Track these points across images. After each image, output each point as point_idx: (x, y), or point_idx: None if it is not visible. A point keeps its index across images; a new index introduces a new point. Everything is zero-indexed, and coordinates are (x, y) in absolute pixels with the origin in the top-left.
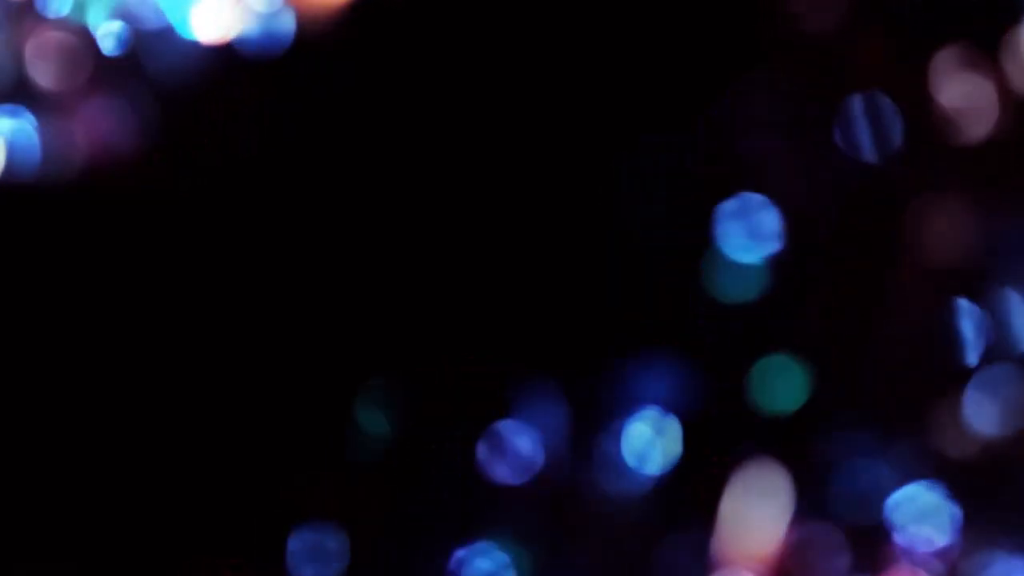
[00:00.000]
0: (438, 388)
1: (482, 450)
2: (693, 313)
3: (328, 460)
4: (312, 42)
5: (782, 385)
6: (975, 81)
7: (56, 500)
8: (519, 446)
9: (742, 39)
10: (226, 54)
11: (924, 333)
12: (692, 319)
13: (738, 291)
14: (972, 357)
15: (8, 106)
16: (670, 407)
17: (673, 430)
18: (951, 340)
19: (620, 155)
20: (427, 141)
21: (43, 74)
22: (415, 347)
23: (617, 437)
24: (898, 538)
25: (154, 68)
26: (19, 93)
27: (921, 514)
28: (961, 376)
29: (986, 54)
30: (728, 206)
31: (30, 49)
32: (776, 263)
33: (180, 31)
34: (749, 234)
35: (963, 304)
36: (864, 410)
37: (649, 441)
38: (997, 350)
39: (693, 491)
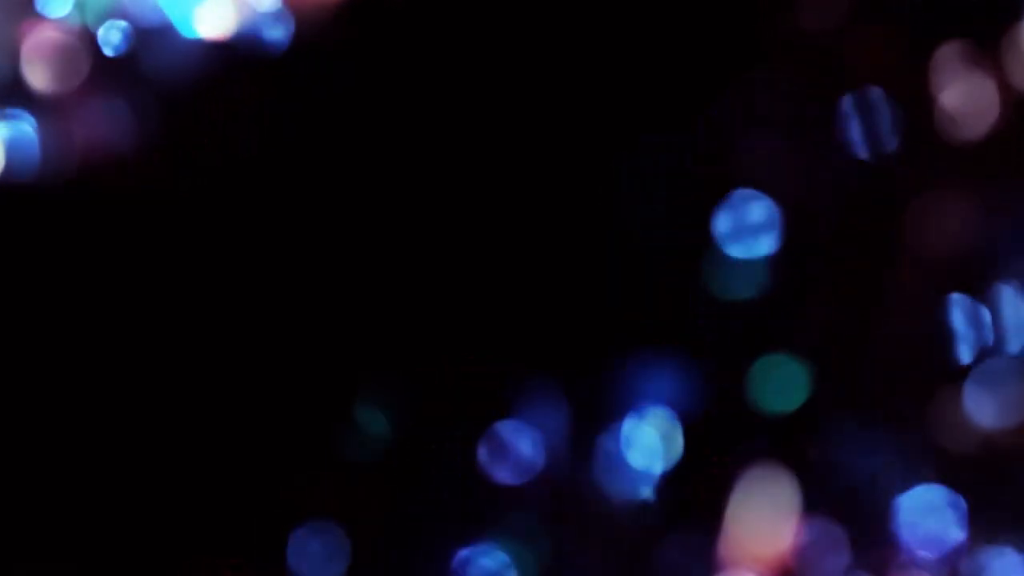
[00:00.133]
0: (438, 388)
1: (482, 450)
2: (693, 313)
3: (328, 460)
4: (312, 42)
5: (782, 384)
6: (976, 79)
7: (56, 500)
8: (519, 446)
9: (742, 39)
10: (226, 54)
11: (924, 330)
12: (692, 319)
13: (738, 289)
14: (972, 354)
15: (7, 106)
16: (671, 406)
17: (674, 429)
18: (951, 337)
19: (620, 155)
20: (427, 141)
21: (42, 74)
22: (415, 347)
23: (618, 437)
24: (901, 537)
25: (153, 68)
26: (18, 93)
27: (925, 514)
28: (961, 373)
29: (987, 52)
30: (728, 203)
31: (28, 49)
32: (776, 262)
33: (179, 30)
34: (749, 231)
35: (963, 300)
36: (864, 408)
37: (650, 441)
38: (998, 346)
39: (694, 491)
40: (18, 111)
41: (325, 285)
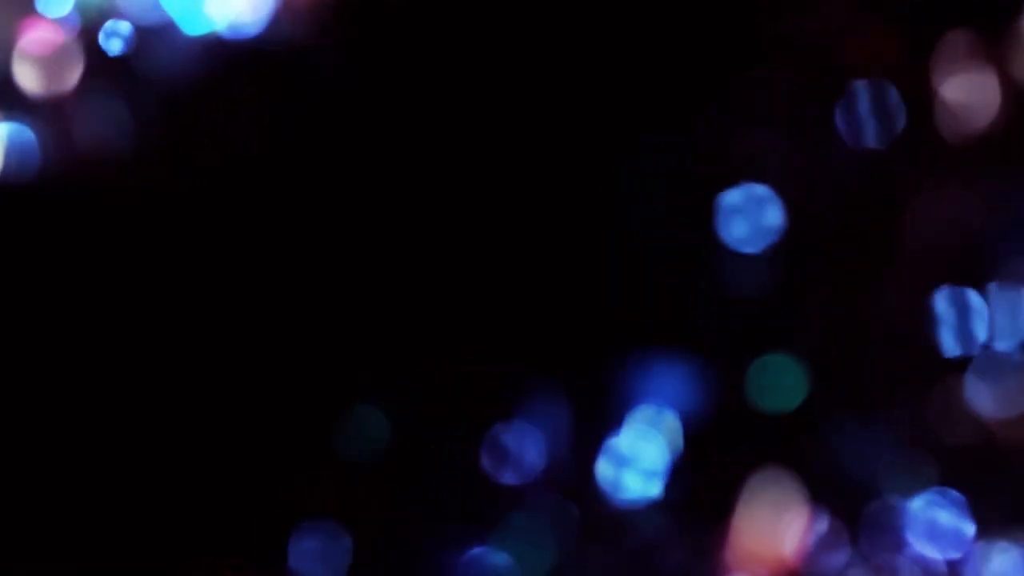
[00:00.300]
0: (438, 388)
1: (483, 450)
2: (694, 312)
3: (328, 460)
4: (312, 42)
5: (782, 384)
6: (978, 73)
7: (56, 500)
8: (520, 446)
9: (742, 39)
10: (225, 53)
11: (923, 326)
12: (693, 318)
13: (738, 287)
14: (971, 349)
15: (6, 106)
16: (671, 406)
17: (674, 429)
18: (950, 332)
19: (620, 155)
20: (427, 141)
21: (41, 74)
22: (416, 347)
23: (618, 437)
24: (902, 535)
25: (153, 67)
26: (17, 93)
27: (927, 512)
28: (961, 368)
29: (988, 45)
30: (728, 199)
31: (28, 48)
32: (775, 261)
33: (179, 30)
34: (749, 228)
35: (963, 295)
36: (864, 407)
37: (651, 440)
38: (998, 341)
39: (695, 490)
40: (18, 111)
41: (325, 285)
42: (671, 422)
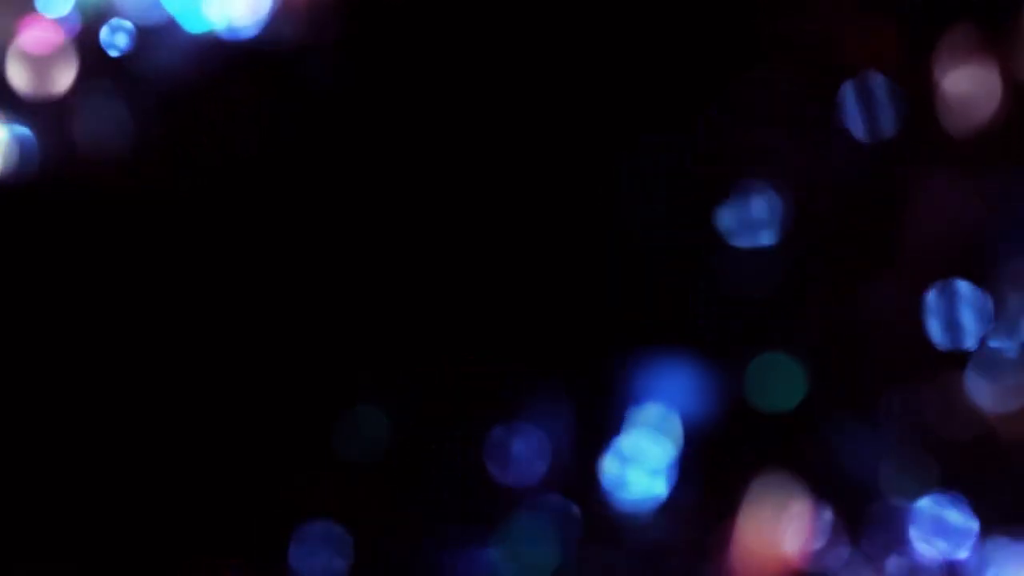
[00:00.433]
0: (439, 388)
1: (483, 451)
2: (694, 312)
3: (328, 460)
4: (312, 42)
5: (781, 383)
6: (978, 71)
7: (56, 500)
8: (521, 447)
9: (742, 39)
10: (225, 53)
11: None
12: (693, 318)
13: (738, 287)
14: (972, 344)
15: (5, 105)
16: (672, 406)
17: (675, 428)
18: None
19: (620, 155)
20: (427, 141)
21: (41, 74)
22: (416, 347)
23: (619, 437)
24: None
25: (152, 67)
26: (16, 92)
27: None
28: (961, 363)
29: (989, 43)
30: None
31: (28, 48)
32: (776, 260)
33: (178, 29)
34: (750, 225)
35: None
36: (864, 406)
37: (652, 440)
38: (998, 336)
39: (696, 490)
40: (16, 111)
41: (325, 285)
42: (672, 422)
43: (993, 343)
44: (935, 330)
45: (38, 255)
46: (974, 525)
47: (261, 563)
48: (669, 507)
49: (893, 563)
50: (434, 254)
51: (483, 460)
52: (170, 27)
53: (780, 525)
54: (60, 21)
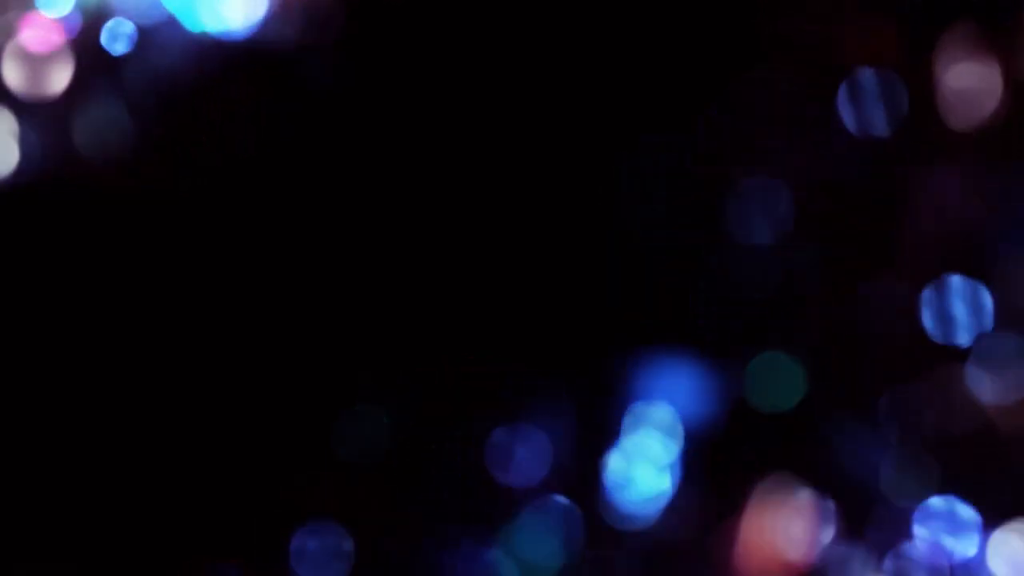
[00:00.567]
0: (439, 389)
1: (483, 451)
2: (694, 312)
3: (328, 460)
4: (312, 42)
5: (781, 382)
6: (979, 67)
7: (56, 500)
8: (521, 446)
9: (742, 39)
10: (224, 52)
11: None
12: (693, 318)
13: (738, 287)
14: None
15: (4, 105)
16: (672, 405)
17: (675, 428)
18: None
19: (620, 155)
20: (427, 141)
21: (40, 72)
22: (416, 347)
23: (619, 437)
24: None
25: (152, 67)
26: (15, 91)
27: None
28: (961, 360)
29: (989, 41)
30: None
31: (28, 48)
32: (776, 260)
33: (178, 29)
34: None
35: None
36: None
37: (652, 440)
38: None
39: (697, 490)
40: (16, 110)
41: (325, 285)
42: (672, 422)
43: (993, 339)
44: (935, 327)
45: (37, 255)
46: (976, 522)
47: (261, 563)
48: (670, 507)
49: (894, 561)
50: (434, 254)
51: (483, 460)
52: (170, 27)
53: (781, 524)
54: (60, 20)
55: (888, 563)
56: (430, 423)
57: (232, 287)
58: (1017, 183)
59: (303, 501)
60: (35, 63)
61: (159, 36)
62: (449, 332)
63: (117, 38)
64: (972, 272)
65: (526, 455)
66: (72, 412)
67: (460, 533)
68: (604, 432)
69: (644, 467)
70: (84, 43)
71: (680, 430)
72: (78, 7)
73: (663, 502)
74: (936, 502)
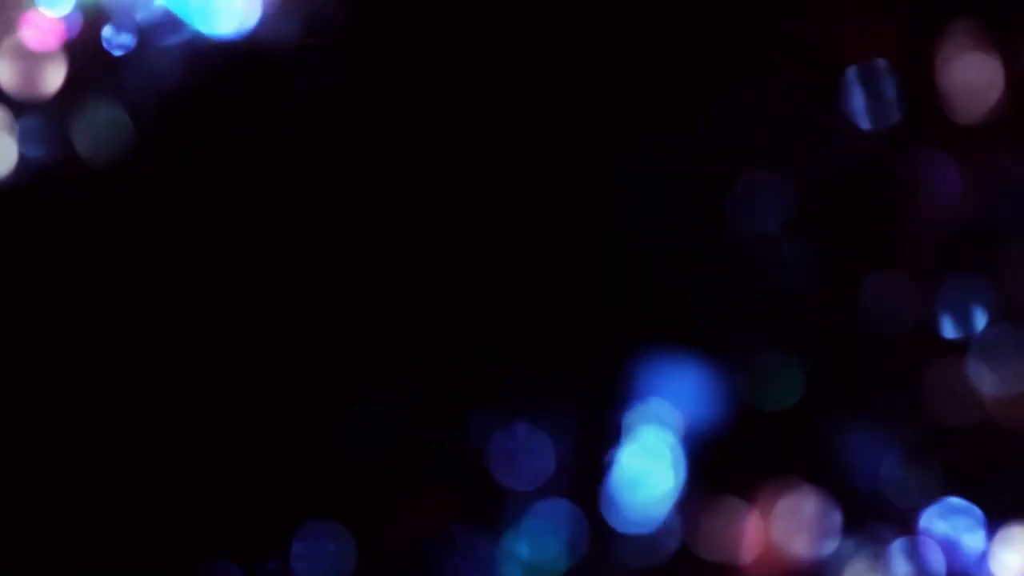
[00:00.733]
0: (439, 388)
1: (483, 450)
2: (694, 312)
3: (328, 460)
4: (311, 42)
5: (782, 383)
6: (979, 64)
7: (56, 500)
8: (521, 446)
9: (742, 39)
10: (223, 52)
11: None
12: (693, 318)
13: (738, 287)
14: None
15: (4, 105)
16: (672, 405)
17: (676, 428)
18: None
19: (620, 155)
20: (427, 141)
21: (40, 72)
22: (416, 347)
23: (620, 437)
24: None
25: (151, 67)
26: (14, 91)
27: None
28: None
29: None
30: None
31: (28, 48)
32: (776, 260)
33: (178, 29)
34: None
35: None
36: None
37: (652, 440)
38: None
39: (697, 489)
40: (16, 110)
41: (325, 285)
42: (673, 421)
43: (993, 334)
44: (936, 323)
45: (36, 254)
46: (979, 519)
47: (261, 563)
48: (671, 506)
49: (897, 560)
50: (434, 254)
51: (484, 460)
52: (170, 27)
53: (782, 523)
54: (60, 20)
55: (890, 562)
56: (430, 423)
57: (232, 287)
58: (1017, 179)
59: (303, 501)
60: (35, 62)
61: (159, 36)
62: (449, 332)
63: (117, 38)
64: (973, 268)
65: (525, 455)
66: (72, 412)
67: (460, 533)
68: (605, 432)
69: (646, 467)
70: (84, 43)
71: (681, 430)
72: (78, 7)
73: (666, 502)
74: (939, 500)
